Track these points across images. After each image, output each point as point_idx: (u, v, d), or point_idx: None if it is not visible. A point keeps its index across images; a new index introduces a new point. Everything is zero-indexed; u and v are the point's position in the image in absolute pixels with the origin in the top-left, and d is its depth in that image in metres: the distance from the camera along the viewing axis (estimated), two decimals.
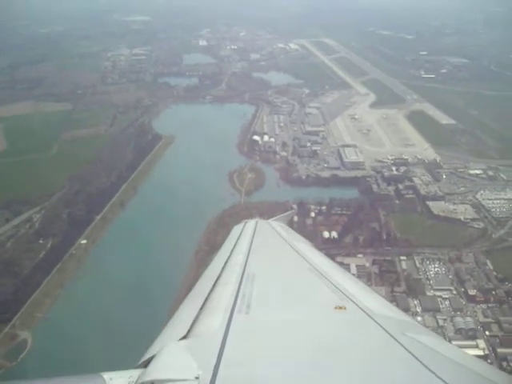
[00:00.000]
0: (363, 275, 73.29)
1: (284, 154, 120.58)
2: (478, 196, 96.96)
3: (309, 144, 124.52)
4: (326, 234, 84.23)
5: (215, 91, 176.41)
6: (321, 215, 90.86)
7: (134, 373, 5.73)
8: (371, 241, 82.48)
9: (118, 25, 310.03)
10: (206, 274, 10.34)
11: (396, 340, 6.38)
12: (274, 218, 17.51)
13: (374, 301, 8.45)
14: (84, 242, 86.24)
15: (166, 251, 79.78)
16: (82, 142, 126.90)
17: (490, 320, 64.83)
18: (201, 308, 7.85)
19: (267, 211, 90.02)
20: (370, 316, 7.30)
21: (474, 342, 60.56)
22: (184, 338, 6.60)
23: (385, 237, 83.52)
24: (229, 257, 10.94)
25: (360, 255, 78.95)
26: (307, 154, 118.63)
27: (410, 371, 5.66)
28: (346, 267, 74.48)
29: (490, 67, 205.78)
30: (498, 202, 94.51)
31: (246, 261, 10.33)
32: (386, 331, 6.70)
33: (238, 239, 12.68)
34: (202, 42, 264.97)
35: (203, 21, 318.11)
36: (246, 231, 13.67)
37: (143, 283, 72.55)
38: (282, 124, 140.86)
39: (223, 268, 10.07)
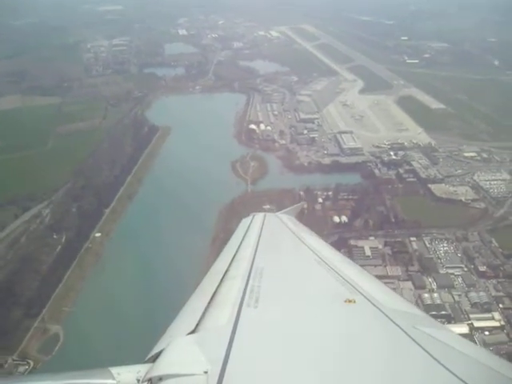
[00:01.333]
0: (377, 256, 76.61)
1: (283, 142, 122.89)
2: (475, 177, 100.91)
3: (305, 131, 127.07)
4: (336, 219, 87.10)
5: (204, 81, 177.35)
6: (328, 201, 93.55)
7: (142, 368, 5.82)
8: (380, 224, 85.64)
9: (91, 15, 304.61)
10: (214, 268, 10.30)
11: (406, 334, 6.45)
12: (283, 211, 17.34)
13: (383, 294, 8.58)
14: (98, 235, 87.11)
15: (183, 241, 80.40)
16: (78, 136, 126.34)
17: (501, 294, 68.61)
18: (209, 302, 7.87)
19: (276, 199, 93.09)
20: (380, 309, 7.35)
21: (490, 315, 64.34)
22: (192, 332, 6.65)
23: (393, 219, 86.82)
24: (237, 250, 10.94)
25: (372, 238, 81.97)
26: (306, 142, 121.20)
27: (421, 365, 5.72)
28: (360, 249, 78.02)
29: (471, 51, 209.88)
30: (495, 182, 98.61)
31: (255, 254, 10.31)
32: (397, 325, 6.76)
33: (246, 232, 12.69)
34: (182, 32, 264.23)
35: (178, 9, 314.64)
36: (254, 224, 13.64)
37: (164, 273, 73.88)
38: (275, 112, 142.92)
39: (231, 262, 10.06)
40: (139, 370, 5.73)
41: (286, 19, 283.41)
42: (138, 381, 5.57)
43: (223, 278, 9.04)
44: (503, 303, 66.81)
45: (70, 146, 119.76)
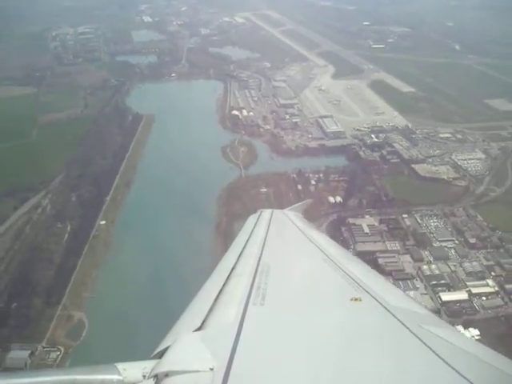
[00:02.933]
0: (376, 233, 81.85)
1: (267, 127, 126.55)
2: (453, 157, 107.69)
3: (287, 116, 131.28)
4: (331, 199, 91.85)
5: (178, 68, 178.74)
6: (320, 182, 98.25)
7: (149, 364, 5.87)
8: (373, 202, 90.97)
9: (47, 2, 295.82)
10: (221, 265, 10.19)
11: (412, 332, 6.47)
12: (290, 208, 17.38)
13: (390, 292, 8.57)
14: (103, 222, 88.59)
15: (187, 225, 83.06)
16: (62, 126, 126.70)
17: (491, 263, 75.14)
18: (215, 299, 7.86)
19: (270, 182, 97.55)
20: (386, 308, 7.36)
21: (484, 282, 70.75)
22: (198, 329, 6.70)
23: (384, 198, 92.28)
24: (244, 247, 10.94)
25: (367, 216, 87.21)
26: (289, 126, 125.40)
27: (427, 364, 5.72)
28: (359, 227, 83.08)
29: (431, 36, 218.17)
30: (472, 161, 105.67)
31: (261, 251, 10.31)
32: (403, 323, 6.77)
33: (253, 229, 12.66)
34: (147, 18, 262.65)
35: None
36: (261, 221, 13.62)
37: (176, 256, 76.65)
38: (255, 98, 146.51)
39: (238, 259, 10.05)
40: (145, 366, 5.81)
41: (247, 5, 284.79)
42: (144, 377, 5.66)
43: (230, 275, 9.08)
44: (494, 271, 73.34)
45: (55, 135, 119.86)
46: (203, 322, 6.87)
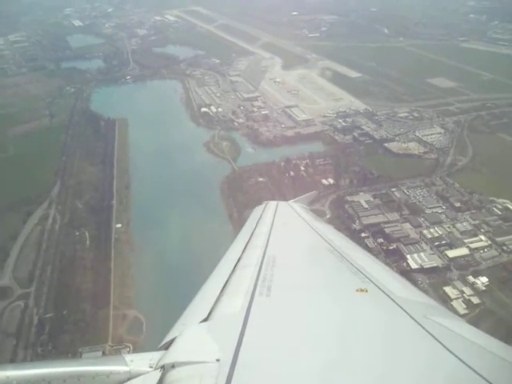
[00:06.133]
0: (374, 207, 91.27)
1: (240, 120, 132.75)
2: (417, 134, 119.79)
3: (255, 109, 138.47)
4: (325, 182, 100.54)
5: (129, 71, 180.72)
6: (309, 168, 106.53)
7: (155, 355, 6.05)
8: (363, 181, 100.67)
9: None
10: (227, 257, 10.43)
11: (418, 323, 6.50)
12: (295, 199, 17.46)
13: (396, 283, 8.73)
14: (119, 226, 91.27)
15: (202, 218, 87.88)
16: (36, 137, 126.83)
17: (478, 222, 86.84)
18: (221, 290, 8.04)
19: (264, 172, 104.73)
20: (392, 299, 7.45)
21: (478, 238, 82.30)
22: (205, 320, 6.81)
23: (370, 176, 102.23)
24: (249, 239, 11.09)
25: (361, 193, 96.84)
26: (260, 118, 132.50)
27: (433, 354, 5.75)
28: (358, 203, 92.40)
29: (359, 22, 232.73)
30: (434, 136, 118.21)
31: (267, 243, 10.48)
32: (409, 314, 6.81)
33: (258, 221, 12.88)
34: (77, 23, 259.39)
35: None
36: (266, 213, 13.85)
37: (201, 245, 78.75)
38: (217, 94, 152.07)
39: (244, 250, 10.21)
40: (152, 358, 6.02)
41: (173, 2, 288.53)
42: (151, 368, 5.84)
43: (236, 266, 9.25)
44: (483, 228, 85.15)
45: (33, 147, 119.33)
46: (209, 313, 7.10)
